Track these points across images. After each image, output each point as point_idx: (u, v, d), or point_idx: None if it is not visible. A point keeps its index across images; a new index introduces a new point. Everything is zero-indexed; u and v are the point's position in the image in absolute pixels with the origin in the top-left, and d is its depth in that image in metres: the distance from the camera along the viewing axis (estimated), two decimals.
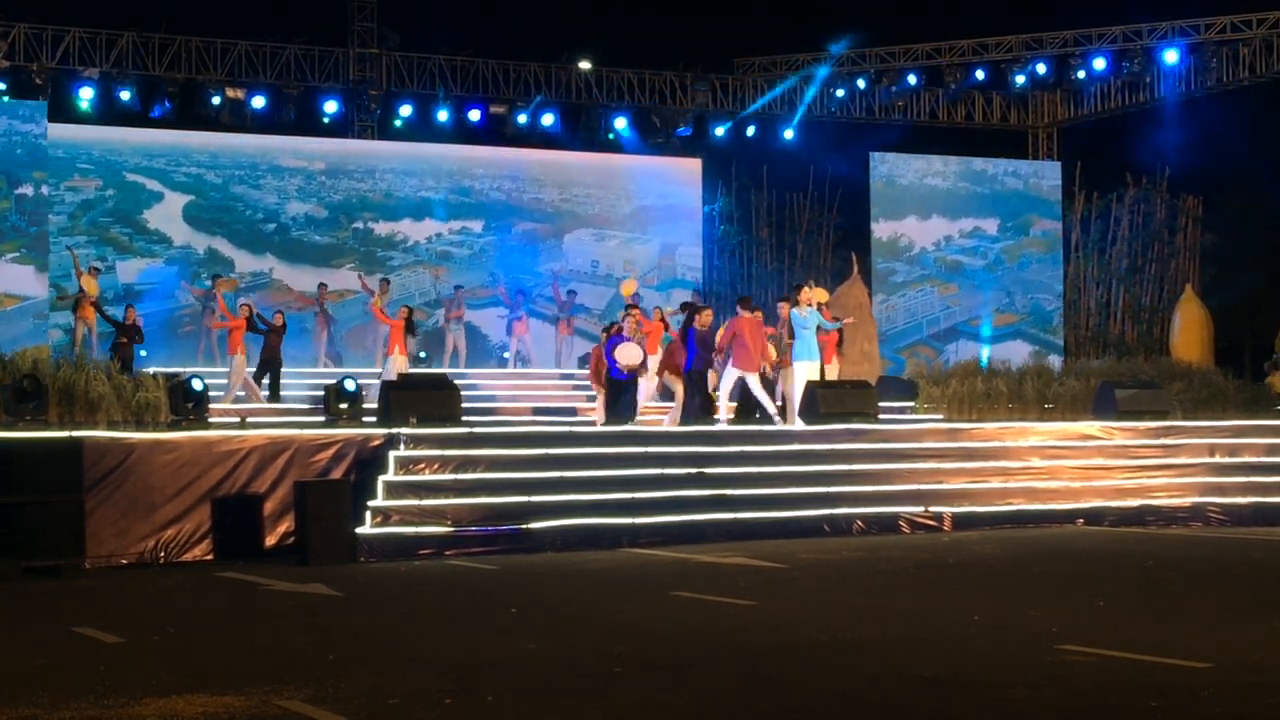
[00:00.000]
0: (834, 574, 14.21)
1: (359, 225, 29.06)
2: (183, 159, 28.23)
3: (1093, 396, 22.36)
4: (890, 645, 10.05)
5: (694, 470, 17.71)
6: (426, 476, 16.43)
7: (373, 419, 18.37)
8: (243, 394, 22.49)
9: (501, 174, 30.02)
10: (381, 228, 29.11)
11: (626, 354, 19.49)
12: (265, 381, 22.89)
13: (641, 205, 30.72)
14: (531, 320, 28.25)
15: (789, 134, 32.03)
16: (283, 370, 23.16)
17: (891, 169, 30.92)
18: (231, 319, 23.04)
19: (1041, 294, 31.51)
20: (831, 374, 21.41)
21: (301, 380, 24.14)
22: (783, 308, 20.73)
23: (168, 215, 27.81)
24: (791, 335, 20.07)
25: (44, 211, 25.79)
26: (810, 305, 20.07)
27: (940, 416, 23.18)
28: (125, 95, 27.56)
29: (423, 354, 26.84)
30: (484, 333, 29.01)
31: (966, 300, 30.83)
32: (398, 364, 22.46)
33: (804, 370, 19.99)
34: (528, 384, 26.06)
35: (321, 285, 27.53)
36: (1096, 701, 8.22)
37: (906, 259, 30.34)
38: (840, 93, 31.77)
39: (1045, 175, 32.26)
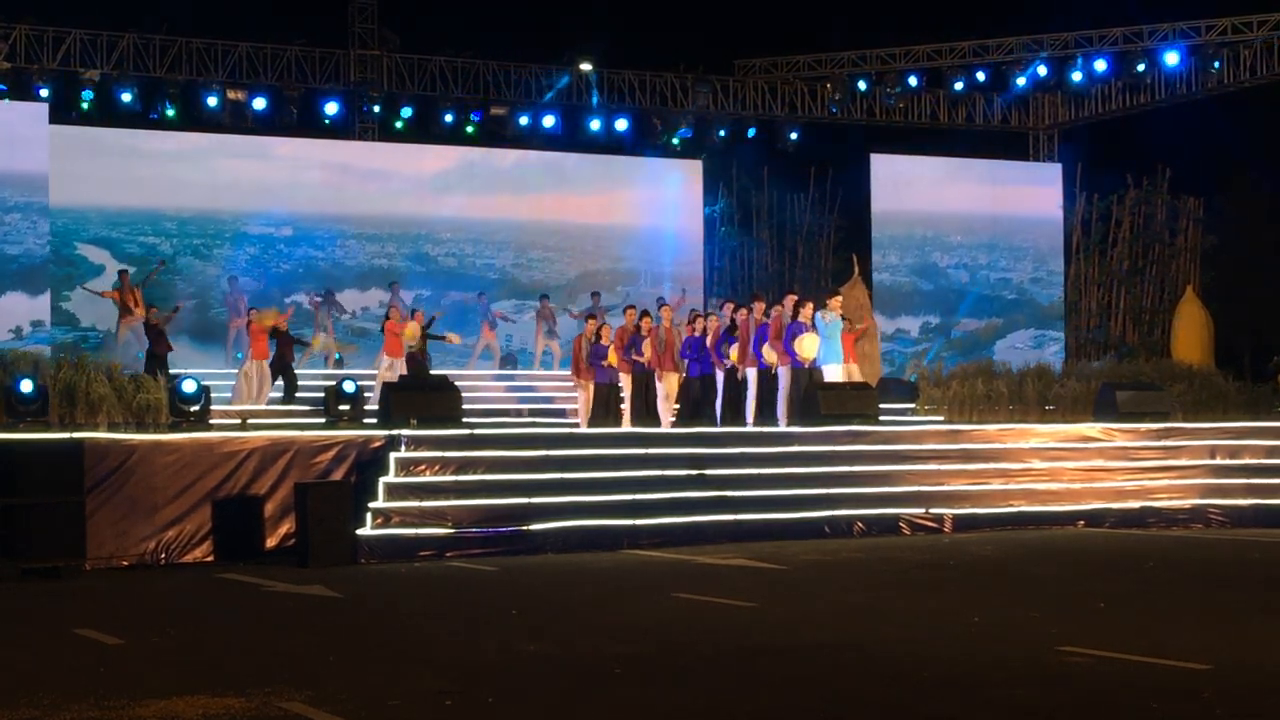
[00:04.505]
0: (834, 575, 14.22)
1: (293, 298, 27.61)
2: (148, 226, 27.33)
3: (1093, 398, 22.35)
4: (890, 646, 10.05)
5: (694, 472, 17.71)
6: (427, 478, 16.43)
7: (373, 420, 18.39)
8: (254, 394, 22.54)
9: (466, 236, 29.33)
10: (314, 301, 27.70)
11: (805, 345, 19.64)
12: (278, 383, 22.96)
13: (588, 270, 30.03)
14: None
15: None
16: (295, 375, 23.13)
17: (892, 173, 30.72)
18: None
19: None
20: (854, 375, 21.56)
21: (301, 382, 24.10)
22: (758, 308, 20.64)
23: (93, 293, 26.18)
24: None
25: None
26: (836, 313, 20.24)
27: (941, 418, 23.15)
28: (126, 97, 27.51)
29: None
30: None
31: None
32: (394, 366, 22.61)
33: (831, 373, 20.12)
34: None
35: (329, 290, 27.49)
36: (1097, 702, 8.22)
37: None
38: (838, 95, 31.75)
39: (1045, 180, 32.23)
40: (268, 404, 22.30)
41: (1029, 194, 32.05)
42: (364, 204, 29.01)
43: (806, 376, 19.90)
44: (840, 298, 21.11)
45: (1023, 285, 31.79)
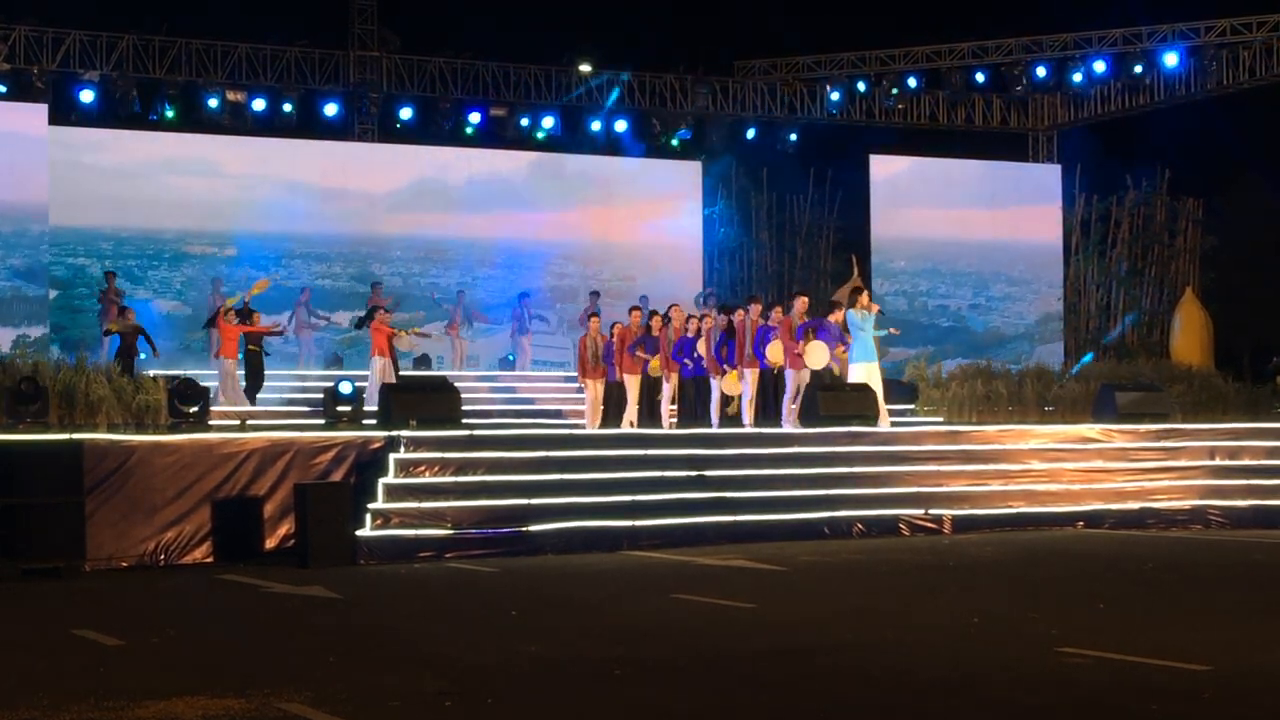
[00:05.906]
0: (834, 576, 14.22)
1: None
2: (79, 247, 26.49)
3: (1093, 399, 22.35)
4: (890, 648, 10.06)
5: (694, 473, 17.70)
6: (426, 479, 16.43)
7: (373, 421, 18.38)
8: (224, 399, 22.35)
9: (416, 255, 28.84)
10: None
11: (812, 354, 19.54)
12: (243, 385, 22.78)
13: (534, 287, 29.27)
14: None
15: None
16: (263, 375, 22.82)
17: (890, 175, 30.67)
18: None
19: None
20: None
21: (300, 383, 24.07)
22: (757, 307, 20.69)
23: (6, 316, 25.03)
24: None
25: None
26: (869, 310, 20.17)
27: (940, 419, 23.17)
28: (126, 98, 27.47)
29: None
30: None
31: None
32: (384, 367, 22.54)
33: (861, 371, 20.04)
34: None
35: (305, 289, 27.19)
36: (1096, 704, 8.23)
37: None
38: (837, 95, 31.75)
39: (1045, 181, 32.22)
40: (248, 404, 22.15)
41: (1024, 212, 31.73)
42: (309, 223, 28.16)
43: (822, 377, 19.87)
44: (868, 293, 20.98)
45: (960, 312, 31.54)
